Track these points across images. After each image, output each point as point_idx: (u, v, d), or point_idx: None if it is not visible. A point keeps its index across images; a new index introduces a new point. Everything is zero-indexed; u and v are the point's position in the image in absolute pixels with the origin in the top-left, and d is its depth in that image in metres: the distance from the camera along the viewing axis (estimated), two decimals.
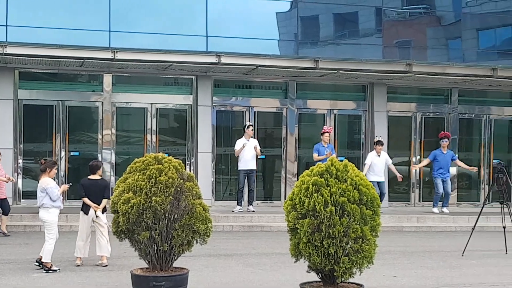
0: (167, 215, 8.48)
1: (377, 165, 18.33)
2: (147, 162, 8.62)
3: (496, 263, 12.56)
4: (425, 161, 19.36)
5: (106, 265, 11.56)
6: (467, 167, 19.47)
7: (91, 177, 11.95)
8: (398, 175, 18.45)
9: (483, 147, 21.50)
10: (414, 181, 20.91)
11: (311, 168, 7.99)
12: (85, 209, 11.80)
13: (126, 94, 18.83)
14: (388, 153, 18.87)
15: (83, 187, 11.81)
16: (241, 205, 17.97)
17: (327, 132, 18.27)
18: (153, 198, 8.39)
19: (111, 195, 8.98)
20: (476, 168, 20.06)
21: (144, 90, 18.95)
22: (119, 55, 17.21)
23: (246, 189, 18.12)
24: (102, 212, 11.82)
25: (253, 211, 17.85)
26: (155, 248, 8.57)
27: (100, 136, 18.63)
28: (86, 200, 11.77)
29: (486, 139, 21.54)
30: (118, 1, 17.61)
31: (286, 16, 19.27)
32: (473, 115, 21.49)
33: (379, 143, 18.51)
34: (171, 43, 17.85)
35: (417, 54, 19.92)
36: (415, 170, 20.70)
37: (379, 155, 18.41)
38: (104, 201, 11.77)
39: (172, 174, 8.50)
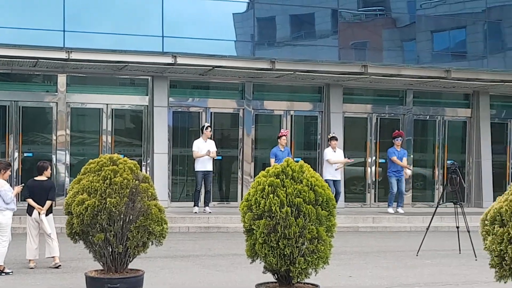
0: (122, 216, 8.42)
1: (332, 164, 18.44)
2: (102, 163, 8.55)
3: (450, 263, 12.71)
4: (403, 161, 19.35)
5: (59, 265, 11.42)
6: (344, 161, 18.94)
7: (37, 178, 11.80)
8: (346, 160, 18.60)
9: (437, 148, 21.75)
10: (369, 182, 21.06)
11: (267, 169, 7.99)
12: (29, 210, 11.66)
13: (81, 94, 18.64)
14: (344, 154, 18.98)
15: (28, 188, 11.68)
16: (198, 206, 17.91)
17: (284, 135, 18.32)
18: (108, 199, 8.31)
19: (65, 196, 8.87)
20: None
21: (99, 90, 18.78)
22: (74, 55, 17.03)
23: (203, 190, 18.07)
24: (47, 214, 11.66)
25: (210, 212, 17.81)
26: (110, 249, 8.49)
27: (54, 137, 18.41)
28: (29, 201, 11.63)
29: (440, 140, 21.79)
30: (73, 1, 17.42)
31: (242, 17, 19.27)
32: (428, 116, 21.73)
33: (334, 138, 18.63)
34: (127, 43, 17.72)
35: (373, 55, 20.07)
36: (370, 170, 20.87)
37: (334, 151, 18.53)
38: (48, 203, 11.61)
39: (127, 175, 8.44)
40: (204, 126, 18.07)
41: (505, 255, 6.90)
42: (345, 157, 18.75)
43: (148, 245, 8.68)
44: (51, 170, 12.22)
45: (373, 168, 21.06)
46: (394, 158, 19.08)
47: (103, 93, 18.76)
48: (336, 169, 18.38)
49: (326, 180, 18.08)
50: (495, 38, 21.09)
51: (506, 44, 21.38)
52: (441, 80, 20.24)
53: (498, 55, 21.14)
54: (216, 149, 18.01)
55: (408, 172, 19.52)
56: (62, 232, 11.52)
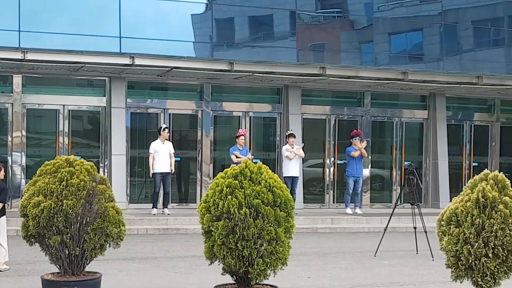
0: (79, 218, 8.32)
1: (292, 159, 18.54)
2: (58, 165, 8.44)
3: (407, 263, 12.81)
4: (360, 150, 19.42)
5: (7, 269, 11.21)
6: (363, 151, 19.39)
7: None
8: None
9: (395, 149, 21.94)
10: (328, 183, 21.16)
11: (225, 170, 7.97)
12: None
13: (37, 95, 18.41)
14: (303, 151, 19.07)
15: None
16: (157, 208, 17.82)
17: (242, 135, 18.34)
18: (65, 201, 8.21)
19: (21, 198, 8.75)
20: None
21: (56, 91, 18.58)
22: (29, 56, 16.82)
23: (161, 191, 17.99)
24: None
25: (169, 213, 17.73)
26: (67, 252, 8.39)
27: (10, 138, 18.16)
28: None
29: (398, 141, 21.99)
30: (28, 1, 17.20)
31: (201, 18, 19.23)
32: (385, 118, 21.90)
33: (292, 135, 18.73)
34: (84, 44, 17.56)
35: (331, 57, 20.18)
36: (329, 171, 20.99)
37: (292, 147, 18.63)
38: None
39: (84, 177, 8.35)
40: (161, 127, 17.98)
41: (460, 255, 6.97)
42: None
43: (106, 247, 8.59)
44: (5, 172, 12.01)
45: (332, 169, 21.17)
46: (354, 153, 19.14)
47: (59, 94, 18.56)
48: (296, 154, 18.39)
49: (285, 177, 18.21)
50: (451, 40, 21.35)
51: (462, 47, 21.66)
52: (398, 82, 20.43)
53: (454, 57, 21.41)
54: (174, 151, 17.93)
55: (364, 152, 19.42)
56: (17, 235, 11.35)
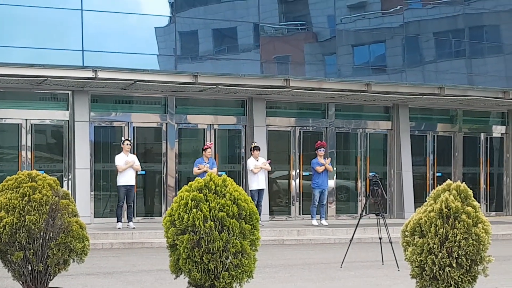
0: (42, 234, 8.22)
1: (257, 173, 18.57)
2: (20, 180, 8.34)
3: (373, 274, 12.86)
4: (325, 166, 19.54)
5: None
6: (328, 166, 19.58)
7: None
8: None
9: (359, 160, 22.05)
10: (294, 194, 21.19)
11: (190, 183, 7.94)
12: None
13: None
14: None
15: None
16: (121, 222, 17.69)
17: (209, 147, 18.36)
18: (27, 216, 8.11)
19: None
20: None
21: (18, 105, 18.39)
22: None
23: (125, 205, 17.87)
24: None
25: (134, 227, 17.61)
26: (30, 268, 8.28)
27: None
28: None
29: (362, 152, 22.11)
30: None
31: (165, 31, 19.19)
32: (350, 129, 22.02)
33: (256, 148, 18.78)
34: (47, 57, 17.41)
35: (295, 69, 20.26)
36: (295, 182, 21.04)
37: (257, 160, 18.66)
38: None
39: (47, 192, 8.25)
40: (122, 140, 17.92)
41: (425, 266, 7.02)
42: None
43: (70, 262, 8.50)
44: None
45: (297, 180, 21.20)
46: (318, 168, 19.23)
47: (22, 108, 18.38)
48: (261, 164, 18.45)
49: (251, 190, 18.22)
50: (413, 52, 21.57)
51: (424, 58, 21.89)
52: (361, 93, 20.56)
53: (417, 69, 21.62)
54: (139, 163, 17.86)
55: (329, 167, 19.62)
56: None
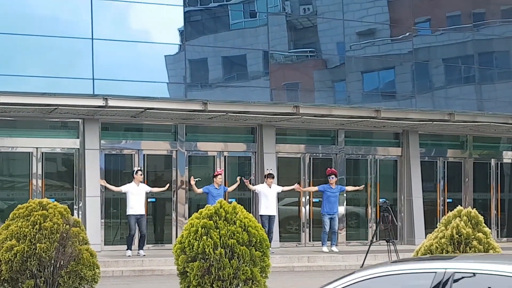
0: (52, 262, 8.25)
1: (268, 197, 18.57)
2: (31, 208, 8.38)
3: None
4: (313, 188, 19.75)
5: None
6: (355, 188, 19.94)
7: None
8: (357, 188, 19.74)
9: (369, 186, 22.00)
10: (304, 221, 21.14)
11: (200, 210, 7.96)
12: None
13: (10, 138, 18.29)
14: (278, 194, 19.11)
15: None
16: (131, 250, 17.68)
17: (219, 174, 18.38)
18: (38, 245, 8.14)
19: None
20: (363, 186, 20.54)
21: (29, 134, 18.47)
22: (2, 99, 16.73)
23: (137, 234, 17.88)
24: None
25: (144, 255, 17.60)
26: None
27: None
28: None
29: (372, 179, 22.05)
30: (1, 44, 17.17)
31: (174, 59, 19.29)
32: (360, 155, 22.00)
33: (270, 176, 18.77)
34: (58, 86, 17.51)
35: (304, 96, 20.29)
36: (304, 209, 21.00)
37: (270, 187, 18.67)
38: None
39: (58, 220, 8.29)
40: (134, 170, 17.96)
41: None
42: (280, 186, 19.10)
43: None
44: None
45: (307, 207, 21.16)
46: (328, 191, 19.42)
47: (33, 137, 18.46)
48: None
49: (261, 216, 18.21)
50: (423, 78, 21.58)
51: (434, 84, 21.89)
52: (371, 119, 20.55)
53: (426, 95, 21.62)
54: (150, 189, 17.95)
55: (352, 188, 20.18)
56: None
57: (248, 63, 20.12)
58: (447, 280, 4.67)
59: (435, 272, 4.75)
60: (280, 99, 19.78)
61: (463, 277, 4.67)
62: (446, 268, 4.74)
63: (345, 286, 5.34)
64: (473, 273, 4.68)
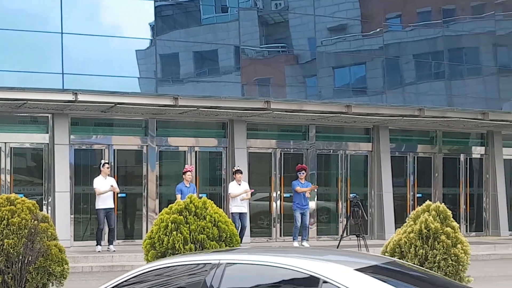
0: (20, 257, 8.18)
1: (234, 198, 18.51)
2: None
3: None
4: (314, 187, 19.91)
5: None
6: (308, 189, 19.69)
7: None
8: (312, 187, 19.42)
9: (340, 181, 22.08)
10: (275, 216, 21.18)
11: (170, 205, 7.94)
12: None
13: None
14: (249, 187, 19.08)
15: None
16: (101, 245, 17.58)
17: (189, 171, 18.22)
18: (5, 240, 8.07)
19: None
20: (317, 186, 20.49)
21: None
22: None
23: (106, 228, 17.78)
24: None
25: (114, 250, 17.51)
26: None
27: None
28: None
29: (343, 174, 22.14)
30: None
31: (145, 53, 19.20)
32: (331, 151, 22.08)
33: (238, 171, 18.68)
34: (26, 80, 17.35)
35: (276, 91, 20.31)
36: (275, 204, 21.04)
37: (239, 184, 18.58)
38: None
39: (26, 215, 8.22)
40: (101, 163, 17.86)
41: None
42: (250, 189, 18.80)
43: (49, 286, 8.45)
44: None
45: (278, 202, 21.19)
46: (298, 188, 19.24)
47: (1, 131, 18.28)
48: (241, 200, 18.40)
49: (232, 214, 18.10)
50: (393, 74, 21.70)
51: (404, 80, 22.03)
52: (342, 115, 20.63)
53: (397, 90, 21.74)
54: (117, 186, 17.79)
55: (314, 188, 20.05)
56: None
57: (220, 58, 20.09)
58: (222, 269, 5.44)
59: (210, 263, 5.53)
60: (251, 94, 19.79)
61: (233, 266, 5.52)
62: (220, 260, 5.52)
63: (123, 281, 6.09)
64: (242, 263, 5.55)
